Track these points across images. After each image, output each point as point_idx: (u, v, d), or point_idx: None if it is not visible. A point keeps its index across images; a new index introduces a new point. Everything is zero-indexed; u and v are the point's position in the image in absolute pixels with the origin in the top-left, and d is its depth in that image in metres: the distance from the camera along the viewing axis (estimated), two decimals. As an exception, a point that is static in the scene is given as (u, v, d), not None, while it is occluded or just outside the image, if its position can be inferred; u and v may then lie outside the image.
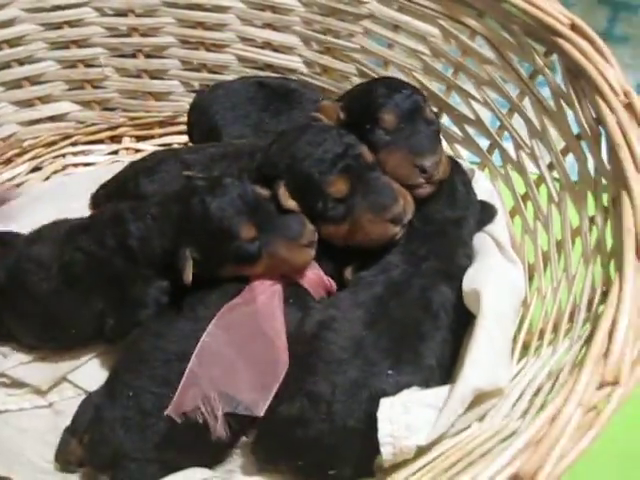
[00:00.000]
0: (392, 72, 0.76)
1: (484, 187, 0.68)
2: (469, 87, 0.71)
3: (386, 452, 0.51)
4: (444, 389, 0.53)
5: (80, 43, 0.84)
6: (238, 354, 0.58)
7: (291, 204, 0.60)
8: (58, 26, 0.82)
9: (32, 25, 0.81)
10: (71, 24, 0.82)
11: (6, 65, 0.83)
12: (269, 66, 0.82)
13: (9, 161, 0.87)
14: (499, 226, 0.66)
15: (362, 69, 0.78)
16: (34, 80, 0.85)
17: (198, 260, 0.58)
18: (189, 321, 0.60)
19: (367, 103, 0.64)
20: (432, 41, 0.71)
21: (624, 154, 0.50)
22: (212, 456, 0.60)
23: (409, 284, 0.59)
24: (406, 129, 0.62)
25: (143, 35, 0.83)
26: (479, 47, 0.68)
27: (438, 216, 0.63)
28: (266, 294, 0.61)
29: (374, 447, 0.51)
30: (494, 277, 0.59)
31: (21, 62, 0.83)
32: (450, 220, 0.63)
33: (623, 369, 0.41)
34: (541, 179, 0.65)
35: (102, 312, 0.63)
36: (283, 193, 0.60)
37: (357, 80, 0.78)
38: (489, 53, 0.67)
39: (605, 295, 0.46)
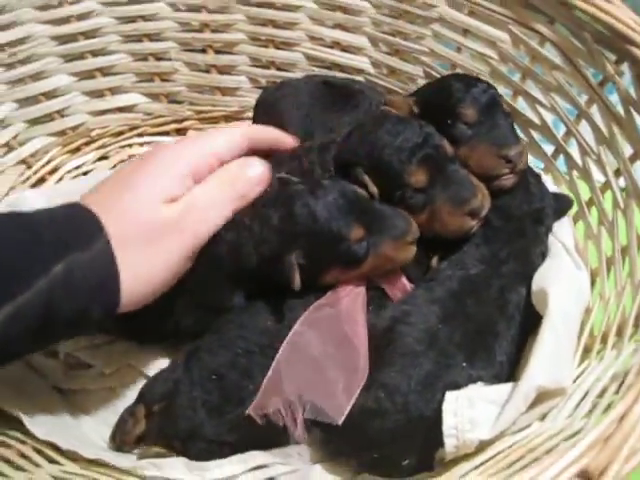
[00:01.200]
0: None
1: (550, 189, 0.69)
2: (536, 93, 0.71)
3: (449, 444, 0.52)
4: (508, 386, 0.54)
5: (152, 37, 0.86)
6: (323, 355, 0.59)
7: (373, 189, 0.61)
8: (132, 20, 0.84)
9: (107, 18, 0.84)
10: (145, 18, 0.84)
11: (80, 56, 0.85)
12: (337, 65, 0.84)
13: (77, 150, 0.89)
14: (565, 230, 0.66)
15: (429, 71, 0.79)
16: (106, 71, 0.87)
17: (303, 265, 0.58)
18: (273, 318, 0.61)
19: (445, 98, 0.65)
20: (501, 46, 0.72)
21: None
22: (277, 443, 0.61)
23: (488, 284, 0.61)
24: (486, 122, 0.64)
25: (214, 31, 0.85)
26: (549, 54, 0.68)
27: (517, 212, 0.64)
28: (350, 296, 0.61)
29: (438, 439, 0.53)
30: (562, 278, 0.60)
31: (95, 54, 0.86)
32: (529, 214, 0.64)
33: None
34: (607, 185, 0.65)
35: (181, 312, 0.64)
36: (367, 180, 0.61)
37: (423, 82, 0.78)
38: (558, 59, 0.68)
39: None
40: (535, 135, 0.73)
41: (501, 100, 0.65)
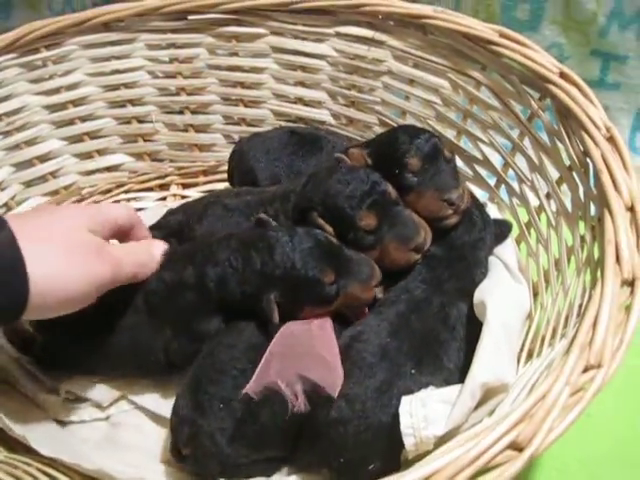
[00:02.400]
0: (409, 121, 0.85)
1: (495, 217, 0.77)
2: (477, 131, 0.80)
3: (408, 443, 0.58)
4: (456, 387, 0.61)
5: (134, 102, 0.95)
6: (307, 352, 0.64)
7: (329, 229, 0.68)
8: (116, 87, 0.93)
9: (93, 87, 0.93)
10: (127, 85, 0.94)
11: (69, 122, 0.94)
12: (301, 119, 0.93)
13: (69, 208, 0.97)
14: (507, 250, 0.74)
15: (383, 119, 0.87)
16: (93, 135, 0.95)
17: (281, 303, 0.65)
18: (257, 334, 0.66)
19: (392, 150, 0.72)
20: (443, 92, 0.81)
21: (606, 179, 0.58)
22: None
23: (429, 301, 0.68)
24: (430, 170, 0.70)
25: (190, 94, 0.94)
26: (484, 96, 0.77)
27: (458, 242, 0.71)
28: (319, 319, 0.68)
29: (399, 441, 0.59)
30: (500, 291, 0.67)
31: (83, 119, 0.94)
32: (469, 243, 0.71)
33: (605, 354, 0.48)
34: (541, 208, 0.73)
35: (169, 339, 0.69)
36: (322, 222, 0.68)
37: (379, 129, 0.88)
38: (492, 101, 0.76)
39: (590, 296, 0.54)
40: (479, 169, 0.81)
41: (443, 147, 0.72)
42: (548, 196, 0.72)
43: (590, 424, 0.67)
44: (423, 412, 0.59)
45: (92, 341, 0.70)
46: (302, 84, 0.91)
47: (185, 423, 0.64)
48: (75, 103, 0.93)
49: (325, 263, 0.64)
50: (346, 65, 0.87)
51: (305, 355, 0.64)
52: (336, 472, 0.64)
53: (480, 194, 0.80)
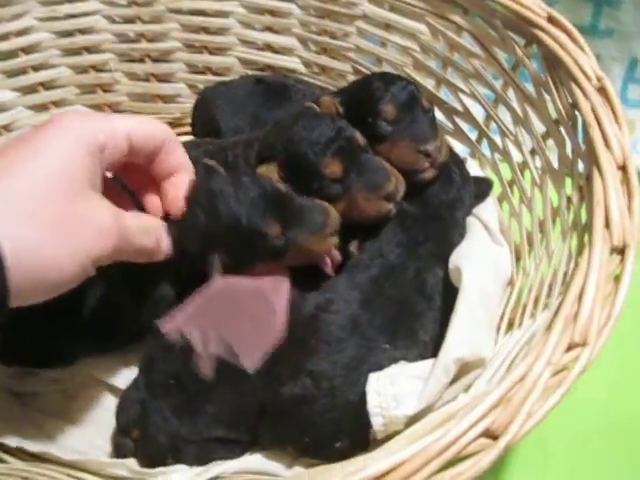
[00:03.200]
0: (385, 69, 0.79)
1: (476, 174, 0.72)
2: (457, 81, 0.74)
3: (376, 423, 0.55)
4: (429, 362, 0.57)
5: (91, 49, 0.88)
6: (243, 308, 0.59)
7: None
8: (70, 34, 0.87)
9: (46, 33, 0.86)
10: (82, 32, 0.87)
11: (22, 71, 0.87)
12: (270, 67, 0.86)
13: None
14: (488, 210, 0.69)
15: (357, 67, 0.81)
16: (48, 85, 0.89)
17: (227, 263, 0.59)
18: None
19: (365, 97, 0.67)
20: (421, 38, 0.75)
21: (596, 134, 0.53)
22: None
23: (405, 266, 0.63)
24: (406, 118, 0.65)
25: (150, 41, 0.88)
26: (465, 42, 0.71)
27: (435, 200, 0.66)
28: (274, 280, 0.62)
29: (368, 420, 0.55)
30: (478, 254, 0.63)
31: (36, 68, 0.87)
32: (446, 202, 0.66)
33: (591, 331, 0.44)
34: (525, 164, 0.68)
35: (125, 305, 0.65)
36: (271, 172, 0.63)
37: (353, 78, 0.81)
38: (474, 47, 0.70)
39: (576, 264, 0.49)
40: (459, 122, 0.76)
41: (420, 96, 0.67)
42: (533, 152, 0.67)
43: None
44: (392, 390, 0.55)
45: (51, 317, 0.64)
46: (270, 29, 0.85)
47: (135, 400, 0.61)
48: (26, 50, 0.86)
49: (270, 214, 0.59)
50: (317, 9, 0.81)
51: (238, 308, 0.59)
52: (301, 451, 0.61)
53: (461, 149, 0.75)
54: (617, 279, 0.46)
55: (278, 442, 0.61)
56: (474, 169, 0.72)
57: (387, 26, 0.77)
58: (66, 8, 0.86)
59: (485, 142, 0.74)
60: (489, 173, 0.73)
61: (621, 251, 0.47)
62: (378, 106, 0.65)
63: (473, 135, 0.75)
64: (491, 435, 0.41)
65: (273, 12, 0.83)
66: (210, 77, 0.89)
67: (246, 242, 0.59)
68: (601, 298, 0.45)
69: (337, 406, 0.57)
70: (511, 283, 0.65)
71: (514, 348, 0.53)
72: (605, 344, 0.44)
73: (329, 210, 0.61)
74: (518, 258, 0.67)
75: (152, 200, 0.60)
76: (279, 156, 0.64)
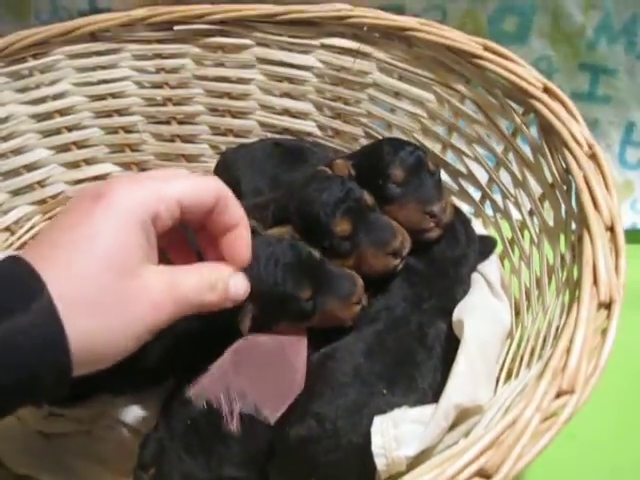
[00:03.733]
0: (395, 133, 0.84)
1: (480, 232, 0.76)
2: (462, 145, 0.79)
3: (380, 463, 0.57)
4: (430, 407, 0.60)
5: (121, 112, 0.95)
6: (265, 363, 0.64)
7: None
8: (103, 97, 0.93)
9: (80, 97, 0.93)
10: (114, 95, 0.93)
11: (57, 132, 0.94)
12: (287, 130, 0.92)
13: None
14: (491, 267, 0.73)
15: (369, 131, 0.87)
16: (80, 144, 0.95)
17: (256, 316, 0.63)
18: None
19: (376, 160, 0.72)
20: (428, 105, 0.80)
21: (586, 198, 0.57)
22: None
23: (408, 320, 0.67)
24: (413, 181, 0.70)
25: (176, 104, 0.94)
26: (469, 110, 0.76)
27: (441, 257, 0.70)
28: (293, 336, 0.66)
29: (372, 461, 0.58)
30: (480, 308, 0.66)
31: (70, 129, 0.94)
32: (451, 260, 0.71)
33: (579, 380, 0.47)
34: (524, 224, 0.72)
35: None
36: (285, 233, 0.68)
37: (365, 141, 0.87)
38: (477, 115, 0.76)
39: (567, 318, 0.53)
40: (464, 184, 0.80)
41: (427, 160, 0.71)
42: (531, 213, 0.71)
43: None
44: (394, 432, 0.58)
45: None
46: (288, 95, 0.91)
47: (153, 442, 0.63)
48: (62, 113, 0.93)
49: (303, 278, 0.63)
50: (332, 77, 0.87)
51: (262, 367, 0.63)
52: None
53: (466, 209, 0.79)
54: (604, 332, 0.50)
55: (287, 481, 0.64)
56: (478, 228, 0.76)
57: (396, 94, 0.83)
58: (100, 74, 0.92)
59: (488, 203, 0.79)
60: (491, 232, 0.78)
61: (608, 306, 0.51)
62: (388, 170, 0.70)
63: (477, 196, 0.80)
64: (484, 475, 0.44)
65: (291, 79, 0.89)
66: (231, 139, 0.95)
67: (278, 302, 0.63)
68: (588, 350, 0.49)
69: (340, 446, 0.60)
70: (510, 336, 0.68)
71: (510, 396, 0.56)
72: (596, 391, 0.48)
73: (357, 279, 0.66)
74: (517, 313, 0.71)
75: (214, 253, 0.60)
76: (292, 217, 0.69)
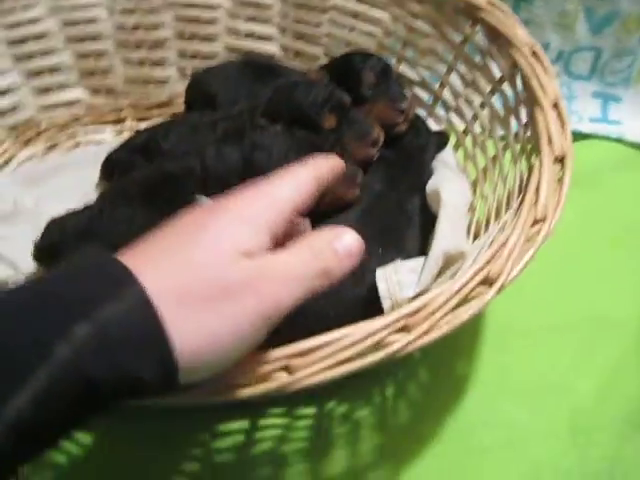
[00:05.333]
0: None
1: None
2: (415, 57, 0.92)
3: (386, 305, 0.69)
4: (421, 259, 0.73)
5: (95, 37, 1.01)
6: None
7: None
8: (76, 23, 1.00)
9: (54, 23, 0.98)
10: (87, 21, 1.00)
11: (29, 56, 0.99)
12: (251, 52, 1.01)
13: (27, 142, 1.02)
14: (447, 155, 0.87)
15: (328, 52, 0.98)
16: (53, 70, 1.01)
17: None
18: None
19: (348, 69, 0.85)
20: (384, 24, 0.93)
21: (534, 83, 0.72)
22: None
23: (388, 196, 0.80)
24: (383, 84, 0.84)
25: (146, 30, 1.01)
26: (421, 26, 0.90)
27: (408, 145, 0.85)
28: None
29: (375, 310, 0.68)
30: (447, 182, 0.80)
31: (43, 54, 0.99)
32: (417, 147, 0.85)
33: (549, 209, 0.62)
34: (475, 116, 0.86)
35: None
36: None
37: (324, 61, 0.97)
38: (428, 30, 0.89)
39: (530, 173, 0.67)
40: (417, 90, 0.94)
41: (389, 65, 0.85)
42: (482, 105, 0.85)
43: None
44: (396, 278, 0.70)
45: None
46: (254, 20, 1.00)
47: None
48: (35, 38, 0.98)
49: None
50: (295, 2, 0.97)
51: None
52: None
53: (420, 112, 0.92)
54: (560, 180, 0.65)
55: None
56: (432, 126, 0.90)
57: (354, 15, 0.94)
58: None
59: (440, 105, 0.92)
60: (445, 128, 0.91)
61: (561, 160, 0.66)
62: (360, 75, 0.83)
63: (429, 100, 0.93)
64: (488, 282, 0.57)
65: (257, 4, 0.99)
66: (197, 62, 1.03)
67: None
68: (552, 190, 0.64)
69: (344, 301, 0.70)
70: (472, 208, 0.83)
71: (487, 241, 0.70)
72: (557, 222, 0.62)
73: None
74: (475, 190, 0.85)
75: None
76: (284, 117, 0.79)
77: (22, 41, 0.98)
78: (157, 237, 0.47)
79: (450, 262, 0.73)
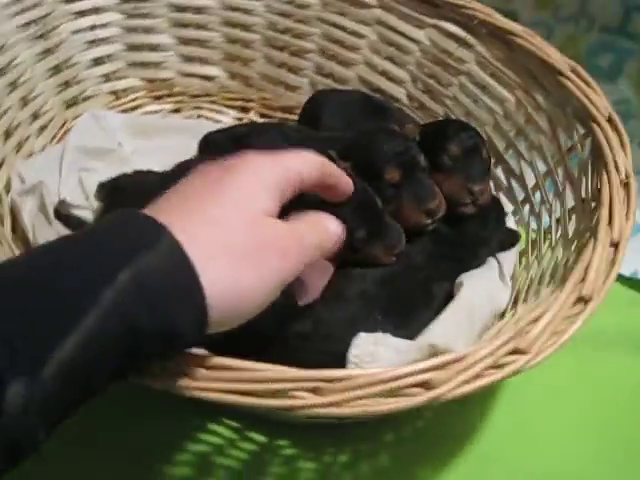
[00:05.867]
0: (470, 122, 0.92)
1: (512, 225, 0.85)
2: (522, 149, 0.87)
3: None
4: (408, 341, 0.68)
5: (246, 27, 1.06)
6: None
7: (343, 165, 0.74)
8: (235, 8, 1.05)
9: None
10: (243, 11, 1.05)
11: (185, 25, 1.06)
12: (379, 90, 1.00)
13: (158, 98, 1.09)
14: (508, 257, 0.81)
15: (448, 113, 0.95)
16: (202, 43, 1.07)
17: None
18: None
19: (440, 134, 0.81)
20: (506, 105, 0.88)
21: (604, 213, 0.65)
22: None
23: (421, 269, 0.75)
24: (465, 160, 0.79)
25: (294, 36, 1.04)
26: (539, 118, 0.84)
27: (467, 230, 0.79)
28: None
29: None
30: (482, 281, 0.75)
31: (198, 26, 1.07)
32: (475, 237, 0.80)
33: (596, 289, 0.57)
34: (549, 230, 0.80)
35: None
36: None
37: (442, 120, 0.96)
38: (545, 125, 0.83)
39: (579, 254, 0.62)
40: (513, 183, 0.88)
41: (483, 147, 0.80)
42: (558, 221, 0.78)
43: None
44: (372, 349, 0.67)
45: None
46: (391, 60, 0.99)
47: None
48: (194, 10, 1.05)
49: (364, 221, 0.70)
50: (434, 55, 0.95)
51: None
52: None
53: (507, 205, 0.87)
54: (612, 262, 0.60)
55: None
56: (511, 223, 0.84)
57: (483, 87, 0.91)
58: None
59: (527, 206, 0.87)
60: (521, 231, 0.85)
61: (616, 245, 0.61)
62: (447, 144, 0.79)
63: (520, 196, 0.88)
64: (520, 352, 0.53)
65: (398, 47, 0.98)
66: (331, 82, 1.04)
67: None
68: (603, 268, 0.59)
69: (328, 352, 0.67)
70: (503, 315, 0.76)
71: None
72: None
73: (439, 197, 0.76)
74: (516, 302, 0.78)
75: None
76: (354, 157, 0.77)
77: (183, 9, 1.05)
78: (180, 196, 0.49)
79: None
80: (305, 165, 0.55)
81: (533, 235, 0.84)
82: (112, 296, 0.39)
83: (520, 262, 0.83)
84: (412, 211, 0.77)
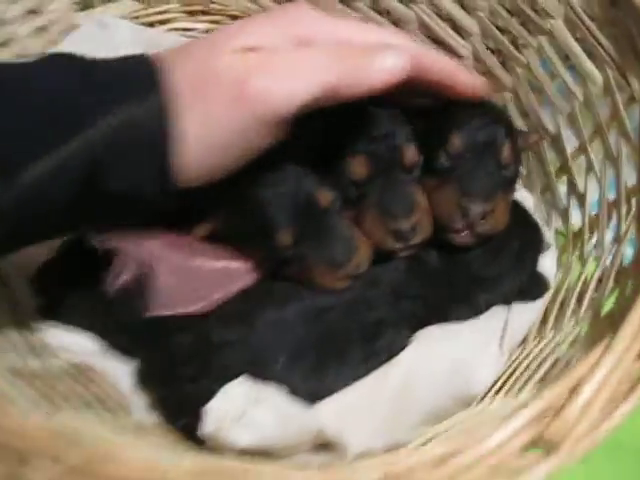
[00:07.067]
0: (544, 110, 0.65)
1: (547, 266, 0.57)
2: (597, 161, 0.58)
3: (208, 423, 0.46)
4: (300, 408, 0.46)
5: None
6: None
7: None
8: None
9: None
10: None
11: None
12: (442, 43, 0.73)
13: (192, 14, 0.90)
14: (525, 314, 0.54)
15: (516, 88, 0.67)
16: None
17: (224, 227, 0.54)
18: None
19: (447, 118, 0.55)
20: (591, 88, 0.59)
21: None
22: None
23: (372, 306, 0.52)
24: (469, 161, 0.53)
25: None
26: (629, 118, 0.55)
27: (463, 267, 0.54)
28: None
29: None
30: (452, 342, 0.49)
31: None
32: (474, 277, 0.54)
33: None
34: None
35: None
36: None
37: (510, 106, 0.69)
38: (632, 130, 0.54)
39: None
40: (572, 202, 0.61)
41: (505, 145, 0.54)
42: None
43: None
44: (233, 407, 0.46)
45: None
46: (460, 2, 0.71)
47: None
48: None
49: (288, 220, 0.50)
50: (512, 2, 0.66)
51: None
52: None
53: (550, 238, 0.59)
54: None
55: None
56: (550, 260, 0.57)
57: (566, 57, 0.61)
58: None
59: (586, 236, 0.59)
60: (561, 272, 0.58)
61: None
62: (448, 133, 0.53)
63: (577, 221, 0.60)
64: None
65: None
66: (384, 21, 0.77)
67: (256, 232, 0.52)
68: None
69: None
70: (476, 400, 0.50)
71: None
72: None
73: (356, 249, 0.51)
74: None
75: None
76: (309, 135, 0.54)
77: None
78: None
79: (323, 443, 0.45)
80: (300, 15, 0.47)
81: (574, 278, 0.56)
82: (92, 137, 0.40)
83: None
84: (375, 227, 0.53)
